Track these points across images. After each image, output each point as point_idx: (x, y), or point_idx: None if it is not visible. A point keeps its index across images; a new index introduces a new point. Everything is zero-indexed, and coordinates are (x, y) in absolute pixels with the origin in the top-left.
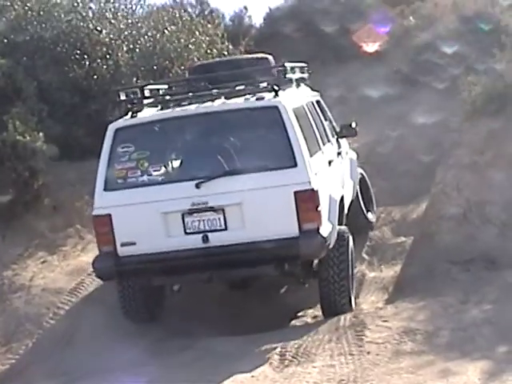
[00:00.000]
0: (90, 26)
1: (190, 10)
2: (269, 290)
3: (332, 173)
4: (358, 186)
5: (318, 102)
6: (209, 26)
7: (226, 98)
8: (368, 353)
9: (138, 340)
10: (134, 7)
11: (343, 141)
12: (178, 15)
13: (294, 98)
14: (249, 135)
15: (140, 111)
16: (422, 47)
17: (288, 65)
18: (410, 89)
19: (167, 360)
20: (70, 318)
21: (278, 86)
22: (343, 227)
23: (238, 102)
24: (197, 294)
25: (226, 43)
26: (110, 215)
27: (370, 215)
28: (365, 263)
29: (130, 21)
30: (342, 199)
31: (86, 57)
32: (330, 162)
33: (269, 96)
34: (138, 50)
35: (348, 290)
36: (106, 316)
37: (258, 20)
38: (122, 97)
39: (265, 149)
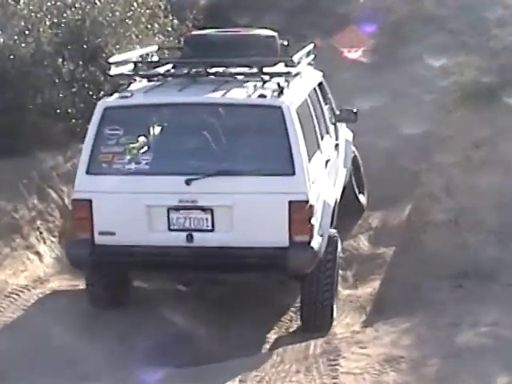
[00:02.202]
0: None
1: None
2: (221, 314)
3: (328, 173)
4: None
5: (320, 84)
6: None
7: (226, 88)
8: None
9: (65, 376)
10: None
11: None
12: None
13: (299, 93)
14: (247, 134)
15: (128, 86)
16: None
17: (296, 57)
18: None
19: None
20: None
21: (285, 77)
22: (333, 231)
23: (238, 97)
24: (142, 313)
25: (170, 17)
26: (90, 200)
27: (361, 197)
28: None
29: None
30: (335, 202)
31: (0, 33)
32: (327, 162)
33: (272, 91)
34: (63, 24)
35: (331, 299)
36: (29, 347)
37: None
38: (114, 71)
39: (263, 151)
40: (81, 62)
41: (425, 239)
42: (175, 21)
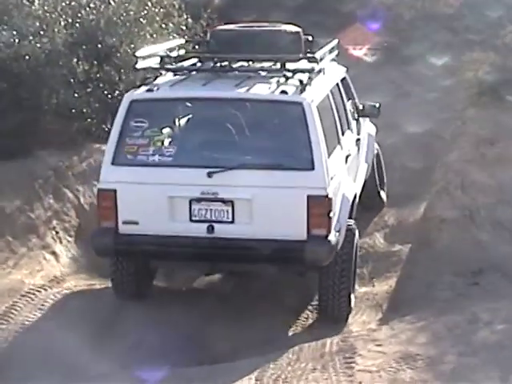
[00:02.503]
0: None
1: None
2: (237, 312)
3: (348, 169)
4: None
5: (343, 79)
6: None
7: (249, 83)
8: (360, 383)
9: (77, 376)
10: None
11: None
12: None
13: (320, 89)
14: (268, 129)
15: (155, 79)
16: None
17: (319, 54)
18: None
19: None
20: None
21: (307, 73)
22: (351, 222)
23: (261, 92)
24: (160, 310)
25: (185, 16)
26: (115, 191)
27: (382, 193)
28: None
29: None
30: (354, 196)
31: (14, 33)
32: (347, 158)
33: (294, 87)
34: (78, 24)
35: (348, 290)
36: (43, 346)
37: None
38: (140, 64)
39: (283, 146)
40: (95, 62)
41: (440, 237)
42: (189, 20)
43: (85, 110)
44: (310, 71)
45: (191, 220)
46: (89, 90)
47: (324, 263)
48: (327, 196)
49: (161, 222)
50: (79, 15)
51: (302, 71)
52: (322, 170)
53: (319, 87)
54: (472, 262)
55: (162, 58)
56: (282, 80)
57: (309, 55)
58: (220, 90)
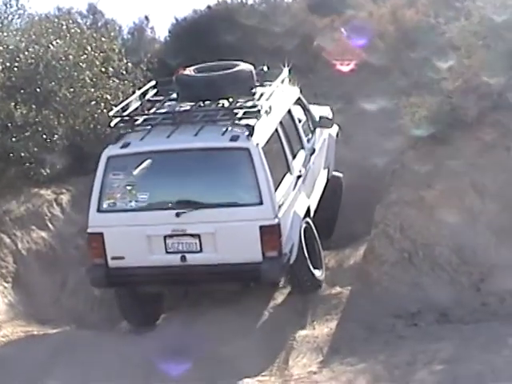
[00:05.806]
0: None
1: (79, 20)
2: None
3: (300, 187)
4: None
5: (297, 100)
6: (103, 39)
7: (204, 132)
8: None
9: None
10: (10, 17)
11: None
12: (65, 27)
13: (268, 127)
14: (224, 171)
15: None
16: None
17: (266, 94)
18: None
19: None
20: None
21: (255, 116)
22: (305, 223)
23: (214, 141)
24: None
25: (125, 60)
26: (102, 233)
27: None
28: None
29: (5, 34)
30: (308, 209)
31: None
32: (298, 178)
33: (243, 132)
34: (16, 68)
35: (307, 272)
36: None
37: (162, 32)
38: (114, 122)
39: (236, 186)
40: (34, 106)
41: (380, 279)
42: (129, 64)
43: (23, 154)
44: (258, 113)
45: (167, 252)
46: (27, 134)
47: (279, 278)
48: (275, 224)
49: (142, 255)
50: (17, 59)
51: (250, 113)
52: (269, 204)
53: (267, 125)
54: (411, 303)
55: (133, 118)
56: (233, 126)
57: (252, 104)
58: (181, 142)
